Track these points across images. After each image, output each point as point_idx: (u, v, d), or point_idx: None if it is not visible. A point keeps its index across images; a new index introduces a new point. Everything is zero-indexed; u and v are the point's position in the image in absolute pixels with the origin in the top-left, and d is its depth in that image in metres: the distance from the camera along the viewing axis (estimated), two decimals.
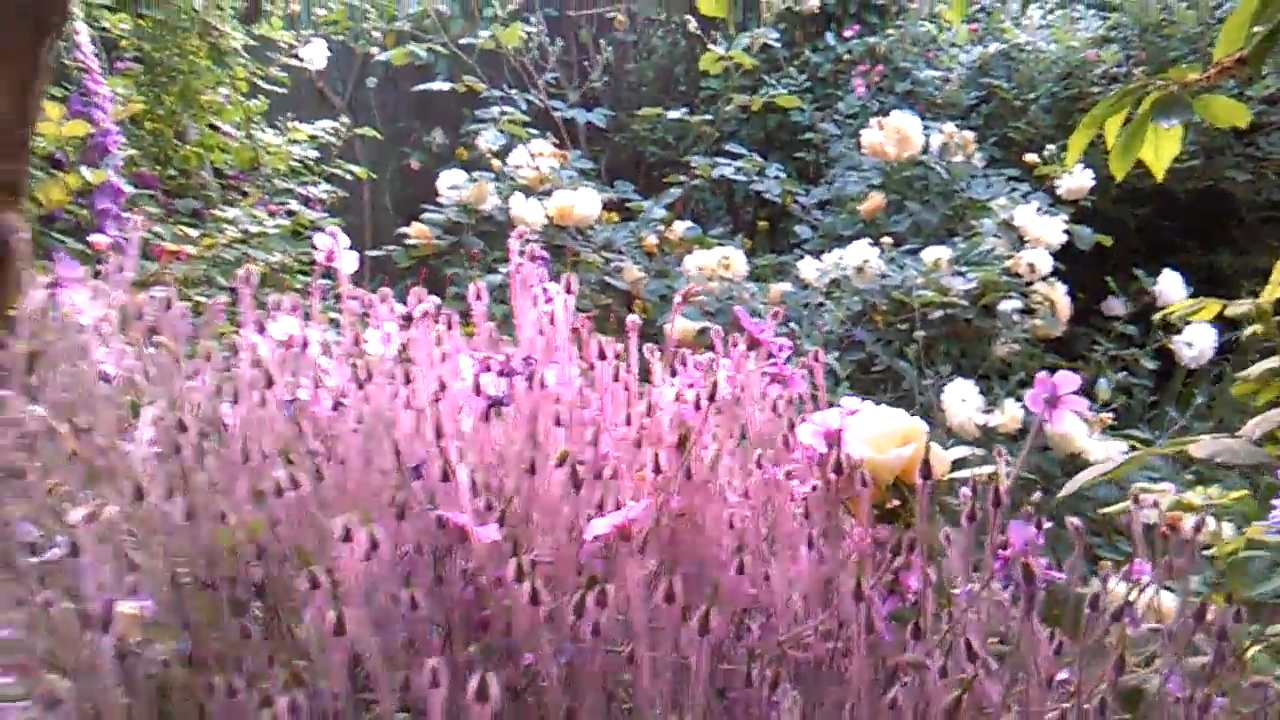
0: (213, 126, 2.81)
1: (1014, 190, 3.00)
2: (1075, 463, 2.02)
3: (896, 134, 3.03)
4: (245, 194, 2.81)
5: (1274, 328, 1.20)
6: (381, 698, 0.66)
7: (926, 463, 0.75)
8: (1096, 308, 2.98)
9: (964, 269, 2.60)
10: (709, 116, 3.88)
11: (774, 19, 3.97)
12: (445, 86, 3.62)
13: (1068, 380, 0.78)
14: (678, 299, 0.98)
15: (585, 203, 2.90)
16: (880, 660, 0.77)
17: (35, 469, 0.84)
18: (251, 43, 3.01)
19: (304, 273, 2.61)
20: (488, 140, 3.29)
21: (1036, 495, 0.91)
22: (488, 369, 0.87)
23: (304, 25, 3.83)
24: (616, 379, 0.89)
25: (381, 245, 3.11)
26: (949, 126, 3.18)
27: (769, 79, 3.98)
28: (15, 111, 0.89)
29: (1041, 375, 0.79)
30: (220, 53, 2.83)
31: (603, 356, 0.89)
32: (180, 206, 2.60)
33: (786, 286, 2.79)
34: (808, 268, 2.71)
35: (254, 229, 2.48)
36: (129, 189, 2.21)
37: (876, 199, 3.12)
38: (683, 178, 3.47)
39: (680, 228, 3.15)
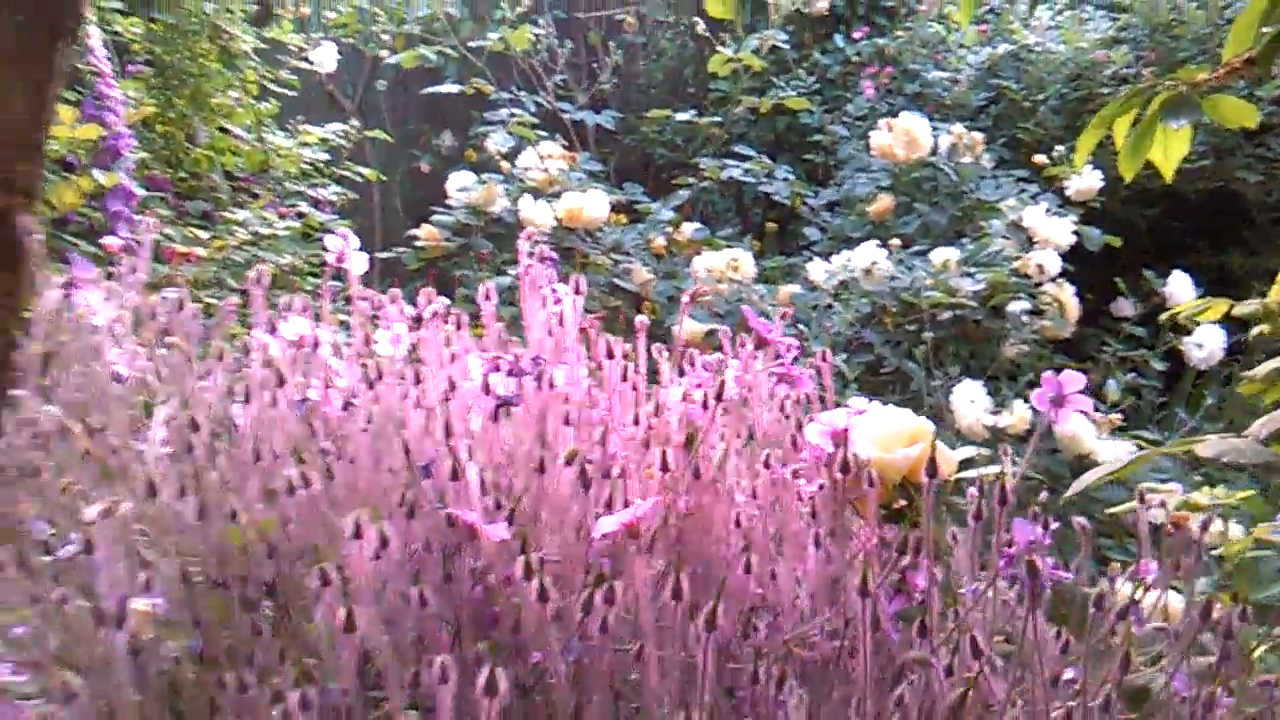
0: (223, 129, 2.83)
1: (1023, 191, 3.00)
2: (1084, 464, 2.02)
3: (905, 135, 3.03)
4: (255, 196, 2.83)
5: None
6: (391, 693, 0.67)
7: (932, 461, 0.76)
8: (1106, 309, 2.98)
9: (973, 270, 2.60)
10: (718, 118, 3.88)
11: (783, 21, 3.96)
12: (454, 89, 3.63)
13: (1073, 380, 0.78)
14: (685, 299, 0.99)
15: (594, 205, 2.90)
16: (887, 658, 0.78)
17: (49, 468, 0.85)
18: (262, 46, 3.03)
19: (314, 274, 2.63)
20: (497, 142, 3.30)
21: (1044, 496, 0.91)
22: (497, 369, 0.87)
23: (314, 28, 3.85)
24: (625, 379, 0.90)
25: (391, 247, 3.12)
26: (958, 128, 3.17)
27: (778, 81, 3.98)
28: (30, 115, 0.90)
29: (1047, 375, 0.79)
30: (231, 56, 2.85)
31: (611, 355, 0.89)
32: (190, 209, 2.62)
33: (795, 288, 2.79)
34: (816, 269, 2.71)
35: (264, 231, 2.49)
36: (140, 191, 2.23)
37: (885, 200, 3.12)
38: (691, 179, 3.47)
39: (689, 229, 3.16)
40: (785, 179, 3.43)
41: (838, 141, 3.73)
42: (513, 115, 3.40)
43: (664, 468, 0.81)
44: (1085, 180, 2.94)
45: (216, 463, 0.83)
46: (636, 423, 0.88)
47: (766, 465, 0.86)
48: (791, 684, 0.71)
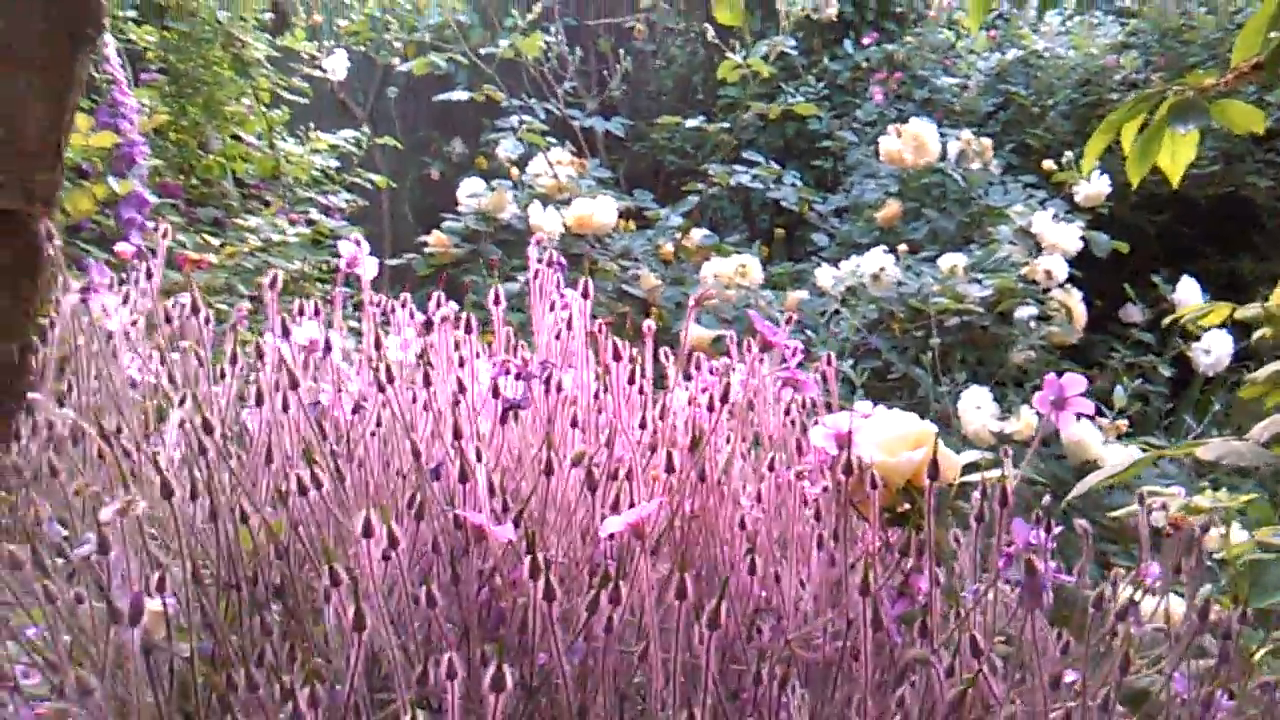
0: (235, 136, 2.85)
1: (1031, 197, 3.00)
2: (1089, 470, 2.01)
3: (914, 141, 3.03)
4: (267, 203, 2.85)
5: None
6: (399, 690, 0.68)
7: (934, 462, 0.76)
8: (1114, 315, 2.97)
9: (980, 276, 2.60)
10: (727, 125, 3.89)
11: (792, 27, 3.97)
12: (465, 96, 3.65)
13: (1074, 382, 0.79)
14: (691, 303, 0.99)
15: (603, 211, 2.92)
16: (889, 659, 0.78)
17: (64, 470, 0.86)
18: (274, 54, 3.05)
19: (324, 280, 2.64)
20: (507, 149, 3.32)
21: (1047, 500, 0.92)
22: (505, 373, 0.88)
23: (326, 36, 3.88)
24: (631, 382, 0.91)
25: (401, 253, 3.14)
26: (966, 133, 3.18)
27: (787, 87, 3.99)
28: (51, 123, 0.91)
29: (1049, 377, 0.80)
30: (243, 64, 2.87)
31: (618, 358, 0.90)
32: (202, 215, 2.64)
33: (803, 294, 2.80)
34: (824, 275, 2.72)
35: (275, 237, 2.51)
36: (153, 199, 2.25)
37: (893, 206, 3.12)
38: (700, 186, 3.48)
39: (697, 235, 3.17)
40: (794, 185, 3.44)
41: (846, 147, 3.74)
42: (523, 122, 3.41)
43: (669, 470, 0.82)
44: (1094, 186, 2.94)
45: (228, 465, 0.84)
46: (643, 426, 0.89)
47: (771, 468, 0.86)
48: (794, 685, 0.72)
